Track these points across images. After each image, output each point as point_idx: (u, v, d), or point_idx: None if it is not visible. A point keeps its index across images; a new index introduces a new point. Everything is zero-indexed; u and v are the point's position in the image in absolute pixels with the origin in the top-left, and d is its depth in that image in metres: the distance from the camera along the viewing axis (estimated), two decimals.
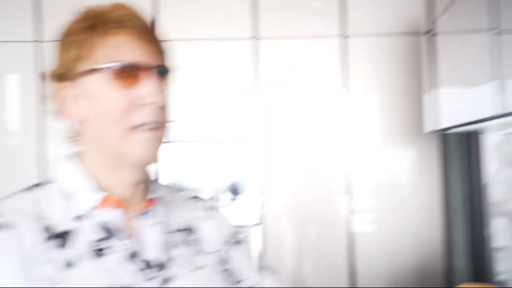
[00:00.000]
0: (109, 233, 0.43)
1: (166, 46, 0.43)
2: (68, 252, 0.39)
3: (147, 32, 0.41)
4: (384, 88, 1.41)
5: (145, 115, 0.40)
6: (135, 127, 0.39)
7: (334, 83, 1.43)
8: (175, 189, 0.58)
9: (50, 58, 0.43)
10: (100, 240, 0.42)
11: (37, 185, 0.45)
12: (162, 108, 0.41)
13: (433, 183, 1.35)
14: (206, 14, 1.51)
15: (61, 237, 0.41)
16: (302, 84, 1.45)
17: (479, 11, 0.90)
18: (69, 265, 0.39)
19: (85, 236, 0.41)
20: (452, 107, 1.14)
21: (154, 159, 0.42)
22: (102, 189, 0.43)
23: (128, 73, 0.39)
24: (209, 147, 1.53)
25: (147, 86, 0.39)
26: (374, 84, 1.42)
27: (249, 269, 0.53)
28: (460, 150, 1.32)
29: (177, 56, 0.48)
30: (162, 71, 0.41)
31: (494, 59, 0.83)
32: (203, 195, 0.59)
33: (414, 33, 1.37)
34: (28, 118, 1.49)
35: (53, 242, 0.40)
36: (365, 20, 1.42)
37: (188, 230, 0.50)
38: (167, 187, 0.56)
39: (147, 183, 0.48)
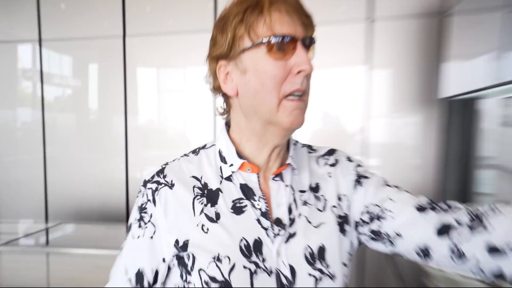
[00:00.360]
0: (246, 193, 0.49)
1: (311, 19, 0.46)
2: (217, 207, 0.48)
3: (294, 7, 0.43)
4: (401, 63, 1.65)
5: (296, 83, 0.43)
6: (287, 95, 0.43)
7: (357, 60, 1.66)
8: (310, 149, 0.58)
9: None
10: (239, 199, 0.49)
11: (201, 147, 0.54)
12: (309, 77, 0.44)
13: (436, 143, 1.63)
14: None
15: (212, 194, 0.49)
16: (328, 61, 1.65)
17: None
18: (217, 217, 0.47)
19: (229, 195, 0.49)
20: (457, 79, 1.39)
21: (301, 125, 0.45)
22: (241, 156, 0.49)
23: (281, 46, 0.42)
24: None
25: (297, 56, 0.42)
26: (392, 60, 1.66)
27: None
28: (461, 115, 1.59)
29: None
30: (309, 42, 0.44)
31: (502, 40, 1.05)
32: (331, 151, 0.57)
33: (432, 14, 1.59)
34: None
35: (205, 198, 0.48)
36: (390, 3, 1.63)
37: (314, 188, 0.53)
38: (303, 148, 0.58)
39: (284, 149, 0.52)
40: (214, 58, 0.48)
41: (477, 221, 0.42)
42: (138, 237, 0.49)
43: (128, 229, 0.52)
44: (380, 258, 1.45)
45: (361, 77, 1.66)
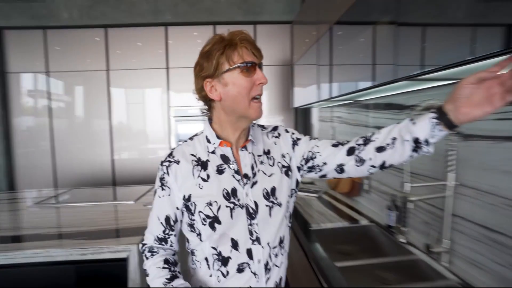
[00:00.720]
0: (224, 160, 0.71)
1: (261, 51, 0.69)
2: (207, 171, 0.69)
3: (252, 45, 0.66)
4: (274, 86, 2.87)
5: (258, 90, 0.67)
6: (253, 99, 0.66)
7: None
8: (262, 128, 0.82)
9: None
10: (220, 164, 0.71)
11: (194, 136, 0.78)
12: (263, 86, 0.66)
13: None
14: None
15: (203, 163, 0.71)
16: None
17: (312, 56, 2.38)
18: (207, 177, 0.69)
19: (214, 162, 0.71)
20: (300, 97, 2.67)
21: (260, 117, 0.70)
22: (220, 137, 0.72)
23: (248, 68, 0.64)
24: None
25: (257, 74, 0.65)
26: (268, 85, 2.86)
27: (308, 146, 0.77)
28: (302, 116, 2.97)
29: None
30: (261, 65, 0.67)
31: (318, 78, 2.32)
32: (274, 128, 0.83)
33: (285, 64, 2.90)
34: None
35: (200, 167, 0.70)
36: (266, 54, 2.85)
37: (267, 152, 0.77)
38: (258, 128, 0.81)
39: (247, 130, 0.74)
40: (202, 77, 0.68)
41: (367, 139, 0.70)
42: (163, 196, 0.72)
43: (154, 193, 0.75)
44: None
45: None
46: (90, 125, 3.03)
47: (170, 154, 0.73)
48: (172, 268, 0.72)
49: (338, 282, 0.89)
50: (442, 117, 0.58)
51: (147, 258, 0.74)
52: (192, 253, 0.77)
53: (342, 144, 0.74)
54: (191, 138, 0.77)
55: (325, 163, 0.75)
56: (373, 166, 0.69)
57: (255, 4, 3.04)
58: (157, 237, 0.74)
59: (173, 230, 0.74)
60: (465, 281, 0.87)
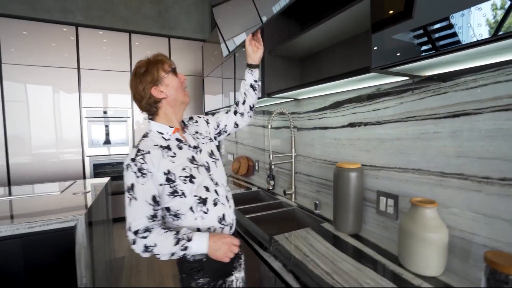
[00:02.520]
0: (179, 140, 1.01)
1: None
2: (172, 150, 0.97)
3: (169, 59, 1.01)
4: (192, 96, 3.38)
5: (184, 84, 1.05)
6: (183, 90, 1.04)
7: None
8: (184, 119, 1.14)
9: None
10: (178, 143, 1.00)
11: (146, 134, 1.01)
12: None
13: None
14: None
15: (167, 147, 0.97)
16: None
17: (219, 70, 3.02)
18: (174, 154, 0.97)
19: (173, 144, 0.99)
20: (210, 104, 3.28)
21: (189, 102, 1.07)
22: (170, 127, 1.00)
23: (174, 71, 1.01)
24: None
25: (179, 75, 1.03)
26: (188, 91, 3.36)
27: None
28: None
29: None
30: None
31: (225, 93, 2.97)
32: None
33: (198, 75, 3.46)
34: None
35: (165, 150, 0.96)
36: (181, 65, 3.34)
37: (196, 132, 1.10)
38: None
39: (182, 121, 1.09)
40: (149, 88, 0.97)
41: (237, 101, 1.22)
42: (145, 182, 0.89)
43: (132, 187, 0.89)
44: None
45: None
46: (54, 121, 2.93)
47: (139, 150, 0.92)
48: (170, 228, 0.92)
49: (250, 225, 1.53)
50: (250, 66, 1.17)
51: (146, 238, 0.88)
52: (176, 216, 0.95)
53: (228, 112, 1.22)
54: (144, 137, 0.99)
55: (226, 125, 1.20)
56: (248, 112, 1.22)
57: (169, 20, 3.49)
58: (150, 215, 0.90)
59: (159, 205, 0.92)
60: (300, 205, 1.67)
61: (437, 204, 0.86)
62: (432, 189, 0.97)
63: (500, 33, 0.55)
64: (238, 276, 1.10)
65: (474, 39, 0.59)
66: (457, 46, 0.62)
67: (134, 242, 0.89)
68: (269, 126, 1.63)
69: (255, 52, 1.17)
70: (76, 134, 3.14)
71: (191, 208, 0.95)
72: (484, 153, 0.82)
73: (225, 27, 1.43)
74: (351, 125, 1.32)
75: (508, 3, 0.53)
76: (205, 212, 0.97)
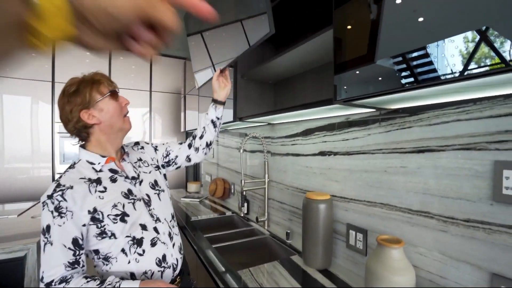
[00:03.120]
0: (114, 172, 0.89)
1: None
2: (103, 185, 0.84)
3: (109, 79, 0.90)
4: (168, 112, 3.31)
5: (125, 109, 0.92)
6: (124, 116, 0.91)
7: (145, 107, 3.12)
8: (125, 145, 1.04)
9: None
10: (112, 175, 0.88)
11: (73, 164, 0.88)
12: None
13: None
14: None
15: (96, 181, 0.84)
16: None
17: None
18: (105, 188, 0.84)
19: (105, 176, 0.86)
20: (189, 122, 3.22)
21: (131, 127, 0.94)
22: (102, 155, 0.88)
23: (114, 94, 0.89)
24: None
25: (121, 98, 0.91)
26: (164, 107, 3.29)
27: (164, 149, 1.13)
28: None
29: None
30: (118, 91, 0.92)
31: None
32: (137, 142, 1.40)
33: (178, 93, 3.42)
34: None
35: (93, 184, 0.83)
36: (162, 82, 3.28)
37: (140, 159, 1.02)
38: (125, 146, 1.03)
39: (121, 147, 0.97)
40: (77, 111, 0.84)
41: (194, 135, 1.17)
42: (63, 223, 0.76)
43: (48, 229, 0.75)
44: None
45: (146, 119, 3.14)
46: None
47: (58, 185, 0.79)
48: (95, 277, 0.79)
49: (214, 258, 1.44)
50: (216, 102, 1.13)
51: None
52: (106, 259, 0.83)
53: (182, 143, 1.17)
54: (71, 167, 0.87)
55: (176, 156, 1.13)
56: (203, 149, 1.17)
57: None
58: (68, 262, 0.77)
59: (82, 249, 0.80)
60: (272, 234, 1.59)
61: (404, 243, 0.81)
62: (399, 225, 0.93)
63: (465, 73, 0.53)
64: None
65: (436, 76, 0.57)
66: (414, 86, 0.60)
67: None
68: (241, 150, 1.58)
69: (222, 89, 1.13)
70: (47, 149, 2.99)
71: (123, 250, 0.84)
72: (448, 192, 0.79)
73: (196, 59, 1.41)
74: (322, 153, 1.29)
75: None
76: (140, 254, 0.86)
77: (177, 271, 0.95)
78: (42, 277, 0.75)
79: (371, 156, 1.03)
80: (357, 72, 0.73)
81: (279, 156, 1.63)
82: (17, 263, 1.32)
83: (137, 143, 1.10)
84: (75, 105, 0.83)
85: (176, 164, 1.15)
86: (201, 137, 1.16)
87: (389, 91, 0.65)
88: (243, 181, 1.57)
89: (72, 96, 0.84)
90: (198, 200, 2.47)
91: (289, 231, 1.46)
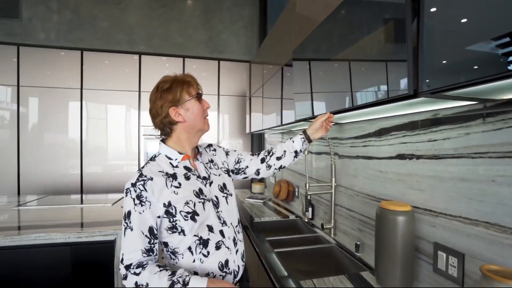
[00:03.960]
0: (188, 170, 0.93)
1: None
2: (177, 180, 0.88)
3: (197, 82, 0.96)
4: (234, 114, 3.45)
5: (206, 112, 0.97)
6: (205, 118, 0.96)
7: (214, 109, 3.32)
8: (199, 146, 1.06)
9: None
10: (186, 172, 0.92)
11: (154, 157, 0.94)
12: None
13: (248, 151, 3.53)
14: None
15: (172, 175, 0.89)
16: None
17: (266, 90, 3.01)
18: (179, 184, 0.88)
19: (180, 172, 0.90)
20: (254, 123, 3.27)
21: (209, 129, 0.99)
22: (180, 152, 0.92)
23: (199, 97, 0.94)
24: None
25: (204, 101, 0.96)
26: (230, 109, 3.43)
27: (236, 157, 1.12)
28: (257, 140, 3.56)
29: None
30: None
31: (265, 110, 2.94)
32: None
33: (244, 95, 3.52)
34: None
35: (171, 178, 0.88)
36: (228, 86, 3.44)
37: (211, 161, 1.03)
38: (198, 146, 1.05)
39: (196, 147, 1.00)
40: (167, 107, 0.89)
41: (271, 152, 1.13)
42: (143, 211, 0.81)
43: (128, 215, 0.81)
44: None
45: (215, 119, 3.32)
46: (56, 138, 3.27)
47: (141, 175, 0.84)
48: (166, 268, 0.82)
49: (276, 263, 1.40)
50: (306, 136, 1.10)
51: (138, 274, 0.79)
52: (173, 253, 0.87)
53: (254, 155, 1.15)
54: (152, 159, 0.92)
55: (247, 167, 1.12)
56: (275, 169, 1.15)
57: (219, 44, 3.67)
58: (144, 249, 0.81)
59: (156, 238, 0.84)
60: (339, 243, 1.45)
61: None
62: None
63: None
64: None
65: None
66: None
67: (125, 278, 0.80)
68: (306, 153, 1.48)
69: (320, 131, 1.11)
70: (135, 149, 3.46)
71: (189, 248, 0.85)
72: None
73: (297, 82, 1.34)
74: (400, 156, 1.10)
75: None
76: (205, 255, 0.86)
77: (238, 278, 0.93)
78: (122, 259, 0.81)
79: (470, 162, 0.82)
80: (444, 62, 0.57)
81: (348, 159, 1.48)
82: (108, 245, 1.54)
83: (210, 145, 1.11)
84: (166, 101, 0.89)
85: (245, 174, 1.15)
86: (278, 158, 1.14)
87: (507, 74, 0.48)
88: (307, 184, 1.47)
89: (164, 93, 0.89)
90: (262, 201, 2.47)
91: (358, 243, 1.30)
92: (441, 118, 0.92)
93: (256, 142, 3.63)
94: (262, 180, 3.51)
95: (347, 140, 1.48)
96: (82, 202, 2.26)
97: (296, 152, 1.13)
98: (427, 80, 0.63)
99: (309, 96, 1.34)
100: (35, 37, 3.19)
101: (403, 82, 0.72)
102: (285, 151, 1.13)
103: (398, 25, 0.73)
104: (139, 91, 3.44)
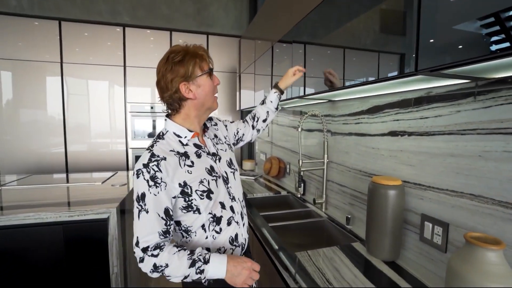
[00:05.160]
0: (198, 147, 0.90)
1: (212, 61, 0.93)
2: (190, 159, 0.86)
3: (209, 56, 0.89)
4: (224, 91, 3.37)
5: (216, 90, 0.93)
6: (214, 95, 0.92)
7: None
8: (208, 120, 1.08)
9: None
10: (196, 150, 0.90)
11: (161, 135, 0.88)
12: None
13: None
14: None
15: (184, 154, 0.86)
16: None
17: (257, 66, 2.95)
18: (192, 163, 0.86)
19: (191, 150, 0.88)
20: (244, 100, 3.23)
21: (216, 109, 0.96)
22: (189, 130, 0.89)
23: (210, 73, 0.88)
24: None
25: (215, 78, 0.91)
26: (219, 86, 3.36)
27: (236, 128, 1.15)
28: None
29: None
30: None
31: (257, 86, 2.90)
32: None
33: (234, 72, 3.43)
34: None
35: (183, 157, 0.85)
36: (218, 62, 3.32)
37: (215, 136, 1.02)
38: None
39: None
40: (177, 81, 0.84)
41: (256, 117, 1.22)
42: (158, 192, 0.78)
43: (142, 197, 0.78)
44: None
45: None
46: (35, 115, 3.10)
47: (152, 155, 0.80)
48: (184, 247, 0.82)
49: (272, 236, 1.44)
50: (279, 90, 1.22)
51: (156, 256, 0.77)
52: (186, 231, 0.87)
53: (244, 122, 1.21)
54: (160, 137, 0.88)
55: (243, 134, 1.17)
56: (263, 130, 1.25)
57: (208, 17, 3.51)
58: (162, 231, 0.80)
59: (172, 220, 0.83)
60: (330, 217, 1.52)
61: (505, 245, 0.67)
62: (497, 223, 0.76)
63: None
64: None
65: None
66: None
67: (141, 260, 0.79)
68: (299, 130, 1.50)
69: (291, 79, 1.19)
70: (121, 126, 3.36)
71: (202, 226, 0.86)
72: None
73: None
74: (392, 133, 1.13)
75: None
76: (217, 232, 0.88)
77: (244, 250, 0.97)
78: (137, 242, 0.78)
79: (460, 138, 0.86)
80: (431, 40, 0.58)
81: (340, 136, 1.51)
82: (101, 223, 1.54)
83: (210, 119, 1.07)
84: (177, 75, 0.83)
85: (243, 141, 1.19)
86: (264, 121, 1.22)
87: (506, 53, 0.49)
88: (300, 160, 1.50)
89: (176, 65, 0.83)
90: (253, 178, 2.51)
91: (349, 216, 1.37)
92: (434, 96, 0.95)
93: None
94: (252, 157, 3.54)
95: (340, 118, 1.50)
96: (68, 181, 2.22)
97: (276, 108, 1.25)
98: (426, 58, 0.64)
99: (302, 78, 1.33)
100: (5, 3, 2.93)
101: (397, 60, 0.73)
102: (267, 112, 1.23)
103: (399, 1, 0.72)
104: (124, 65, 3.29)
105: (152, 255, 0.78)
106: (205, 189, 0.85)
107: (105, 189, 1.96)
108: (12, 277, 1.45)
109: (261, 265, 1.30)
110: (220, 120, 1.12)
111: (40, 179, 2.28)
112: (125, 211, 1.77)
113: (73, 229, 1.51)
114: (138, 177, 0.79)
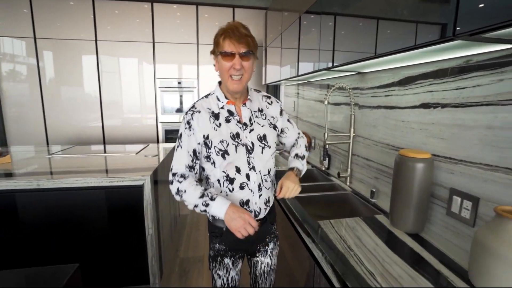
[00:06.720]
0: (230, 114, 1.01)
1: (246, 43, 0.91)
2: (219, 120, 0.99)
3: (237, 37, 0.90)
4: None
5: (232, 71, 0.94)
6: (230, 76, 0.94)
7: None
8: (257, 92, 1.11)
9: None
10: (227, 116, 1.00)
11: (208, 94, 1.05)
12: (240, 70, 0.93)
13: None
14: None
15: (216, 115, 1.00)
16: None
17: (284, 40, 2.88)
18: (220, 124, 0.99)
19: (223, 114, 1.00)
20: (270, 75, 3.19)
21: (237, 91, 0.96)
22: (226, 97, 1.01)
23: (226, 56, 0.92)
24: None
25: (235, 61, 0.91)
26: None
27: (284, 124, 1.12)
28: (272, 91, 3.50)
29: None
30: (244, 54, 0.92)
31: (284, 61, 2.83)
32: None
33: (259, 45, 3.36)
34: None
35: (214, 117, 0.99)
36: None
37: (260, 110, 1.05)
38: (255, 91, 1.10)
39: (245, 92, 1.04)
40: (213, 52, 0.98)
41: (293, 152, 1.14)
42: (189, 135, 0.97)
43: (180, 136, 0.99)
44: None
45: None
46: (74, 92, 3.35)
47: (193, 106, 1.00)
48: (203, 186, 0.99)
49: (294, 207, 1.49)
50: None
51: (180, 182, 0.96)
52: (207, 178, 1.02)
53: (294, 146, 1.18)
54: (206, 96, 1.04)
55: (282, 144, 1.19)
56: (285, 149, 1.24)
57: None
58: (188, 165, 0.98)
59: (198, 160, 1.00)
60: (355, 190, 1.52)
61: None
62: None
63: None
64: (263, 260, 1.10)
65: None
66: None
67: (171, 182, 0.98)
68: (326, 102, 1.48)
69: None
70: (151, 102, 3.51)
71: (218, 181, 0.99)
72: None
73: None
74: (424, 106, 1.08)
75: None
76: (230, 190, 0.98)
77: (258, 218, 1.03)
78: (172, 168, 0.99)
79: (500, 109, 0.81)
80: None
81: (368, 109, 1.47)
82: (137, 189, 1.68)
83: (268, 97, 1.12)
84: (214, 47, 0.97)
85: (282, 143, 1.20)
86: (295, 154, 1.17)
87: None
88: (326, 134, 1.50)
89: (215, 38, 0.96)
90: (278, 152, 2.55)
91: (374, 190, 1.37)
92: (474, 65, 0.88)
93: (271, 93, 3.59)
94: None
95: (369, 90, 1.45)
96: (105, 152, 2.41)
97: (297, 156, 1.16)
98: (466, 22, 0.59)
99: (331, 43, 1.29)
100: None
101: (434, 27, 0.68)
102: (295, 155, 1.16)
103: None
104: (153, 42, 3.36)
105: (178, 181, 0.97)
106: (223, 149, 0.96)
107: (139, 159, 2.11)
108: (62, 235, 1.67)
109: (285, 235, 1.37)
110: (278, 102, 1.13)
111: (81, 149, 2.50)
112: (157, 181, 1.91)
113: (113, 193, 1.67)
114: (183, 119, 1.00)
